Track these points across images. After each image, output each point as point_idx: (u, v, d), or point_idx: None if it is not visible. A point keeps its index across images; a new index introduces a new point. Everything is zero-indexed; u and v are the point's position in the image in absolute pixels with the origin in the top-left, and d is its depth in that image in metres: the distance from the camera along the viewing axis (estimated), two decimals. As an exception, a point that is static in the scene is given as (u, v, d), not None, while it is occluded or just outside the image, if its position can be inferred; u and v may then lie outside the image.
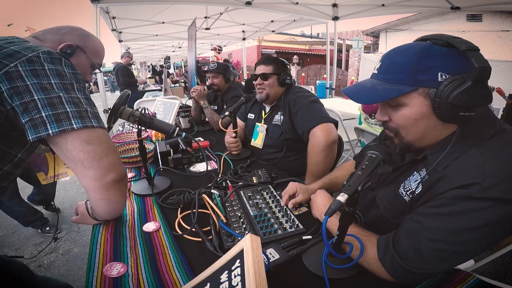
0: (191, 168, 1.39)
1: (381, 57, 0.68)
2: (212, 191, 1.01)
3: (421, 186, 0.66)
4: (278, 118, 1.52)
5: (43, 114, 0.61)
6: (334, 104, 3.55)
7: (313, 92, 2.05)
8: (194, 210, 0.90)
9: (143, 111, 1.03)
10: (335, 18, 4.37)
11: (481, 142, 0.60)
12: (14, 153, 0.72)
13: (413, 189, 0.68)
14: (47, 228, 2.29)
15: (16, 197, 2.08)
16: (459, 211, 0.56)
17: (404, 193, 0.70)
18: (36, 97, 0.61)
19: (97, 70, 0.96)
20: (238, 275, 0.46)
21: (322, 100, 1.51)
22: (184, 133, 1.04)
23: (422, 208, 0.63)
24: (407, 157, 0.77)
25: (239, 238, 0.79)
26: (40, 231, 2.27)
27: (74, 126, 0.63)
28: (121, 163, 0.73)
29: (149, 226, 0.90)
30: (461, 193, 0.56)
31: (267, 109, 1.61)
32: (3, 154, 0.70)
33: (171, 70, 9.47)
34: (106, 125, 0.72)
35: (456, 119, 0.59)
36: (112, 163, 0.69)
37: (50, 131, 0.61)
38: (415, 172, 0.70)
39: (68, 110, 0.63)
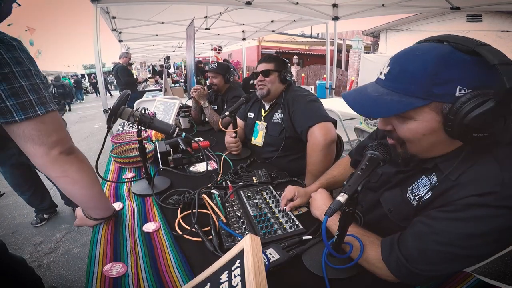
0: (191, 168, 1.38)
1: (389, 59, 0.61)
2: (212, 191, 1.01)
3: (430, 191, 0.64)
4: (278, 116, 1.52)
5: (8, 104, 0.63)
6: (334, 104, 3.55)
7: (313, 92, 2.05)
8: (194, 210, 0.90)
9: (143, 111, 1.03)
10: (335, 18, 4.37)
11: (497, 148, 0.57)
12: None
13: (422, 195, 0.66)
14: (35, 219, 2.43)
15: (20, 189, 2.28)
16: (472, 217, 0.54)
17: (412, 197, 0.68)
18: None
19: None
20: (238, 275, 0.46)
21: (322, 100, 1.52)
22: (184, 133, 1.04)
23: (433, 212, 0.61)
24: (412, 163, 0.74)
25: (239, 238, 0.79)
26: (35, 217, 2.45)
27: (39, 112, 0.66)
28: (68, 139, 0.75)
29: (149, 226, 0.90)
30: (477, 200, 0.54)
31: (267, 107, 1.61)
32: None
33: (171, 70, 9.48)
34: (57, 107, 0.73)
35: (467, 139, 0.55)
36: (60, 139, 0.72)
37: (17, 118, 0.64)
38: (424, 176, 0.67)
39: (31, 98, 0.66)
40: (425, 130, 0.59)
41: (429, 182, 0.65)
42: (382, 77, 0.61)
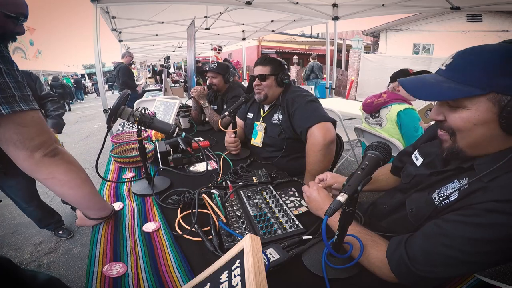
0: (191, 168, 1.39)
1: (454, 53, 0.62)
2: (212, 191, 1.01)
3: (457, 193, 0.62)
4: (277, 117, 1.52)
5: None
6: (334, 104, 3.56)
7: (312, 92, 2.04)
8: (194, 210, 0.90)
9: (143, 111, 1.03)
10: (335, 18, 4.37)
11: None
12: None
13: (447, 195, 0.64)
14: (60, 232, 2.28)
15: (34, 201, 2.04)
16: (485, 223, 0.53)
17: (436, 197, 0.67)
18: None
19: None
20: (238, 275, 0.46)
21: (322, 100, 1.52)
22: (184, 133, 1.04)
23: (450, 214, 0.60)
24: (452, 164, 0.71)
25: (239, 238, 0.79)
26: (53, 233, 2.27)
27: (3, 111, 0.63)
28: (52, 141, 0.74)
29: (149, 226, 0.90)
30: (495, 206, 0.53)
31: (266, 107, 1.61)
32: None
33: (171, 70, 9.48)
34: (38, 108, 0.71)
35: None
36: (43, 141, 0.70)
37: None
38: (456, 179, 0.65)
39: None
40: (477, 120, 0.58)
41: (459, 184, 0.63)
42: (443, 67, 0.62)
